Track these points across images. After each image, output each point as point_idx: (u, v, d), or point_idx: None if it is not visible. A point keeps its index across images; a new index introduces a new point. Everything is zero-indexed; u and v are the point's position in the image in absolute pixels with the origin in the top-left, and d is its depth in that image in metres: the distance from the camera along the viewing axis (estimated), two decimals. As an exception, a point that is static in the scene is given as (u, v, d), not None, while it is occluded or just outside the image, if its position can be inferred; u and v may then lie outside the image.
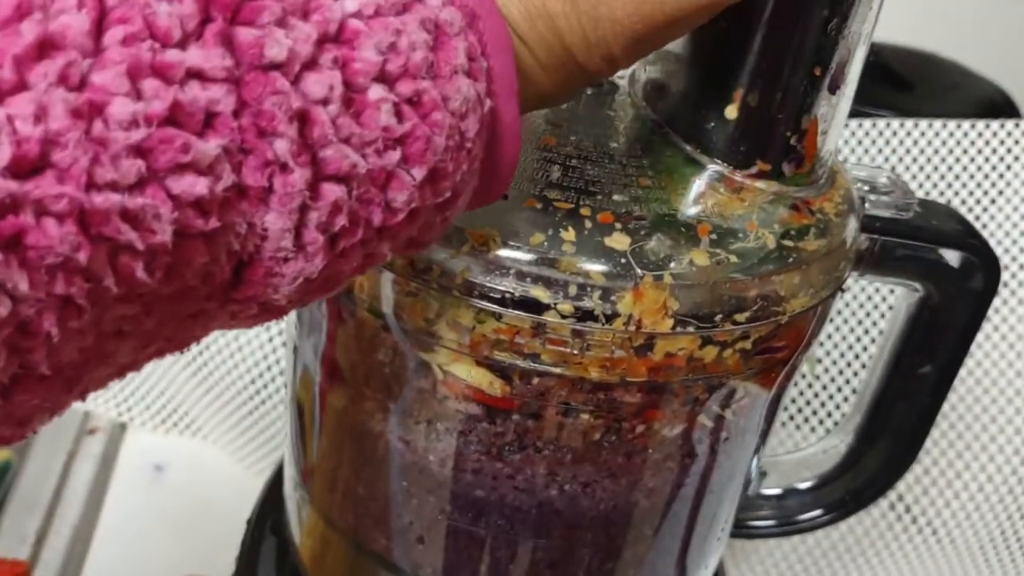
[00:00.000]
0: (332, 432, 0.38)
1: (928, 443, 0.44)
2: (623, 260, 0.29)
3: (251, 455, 0.62)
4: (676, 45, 0.33)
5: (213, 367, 0.59)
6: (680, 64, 0.33)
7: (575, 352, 0.30)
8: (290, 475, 0.44)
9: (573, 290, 0.29)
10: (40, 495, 0.59)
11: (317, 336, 0.36)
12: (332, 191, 0.21)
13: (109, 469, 0.62)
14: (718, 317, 0.30)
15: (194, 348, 0.58)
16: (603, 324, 0.30)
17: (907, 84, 0.68)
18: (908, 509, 0.59)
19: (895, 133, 0.59)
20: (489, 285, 0.30)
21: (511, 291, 0.29)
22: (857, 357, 0.60)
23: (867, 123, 0.59)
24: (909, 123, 0.59)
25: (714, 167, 0.33)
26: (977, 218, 0.59)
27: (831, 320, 0.58)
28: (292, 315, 0.39)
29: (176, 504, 0.60)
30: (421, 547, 0.38)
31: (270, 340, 0.59)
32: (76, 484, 0.61)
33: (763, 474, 0.46)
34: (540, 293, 0.29)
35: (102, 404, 0.63)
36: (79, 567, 0.56)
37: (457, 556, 0.37)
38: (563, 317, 0.30)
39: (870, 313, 0.60)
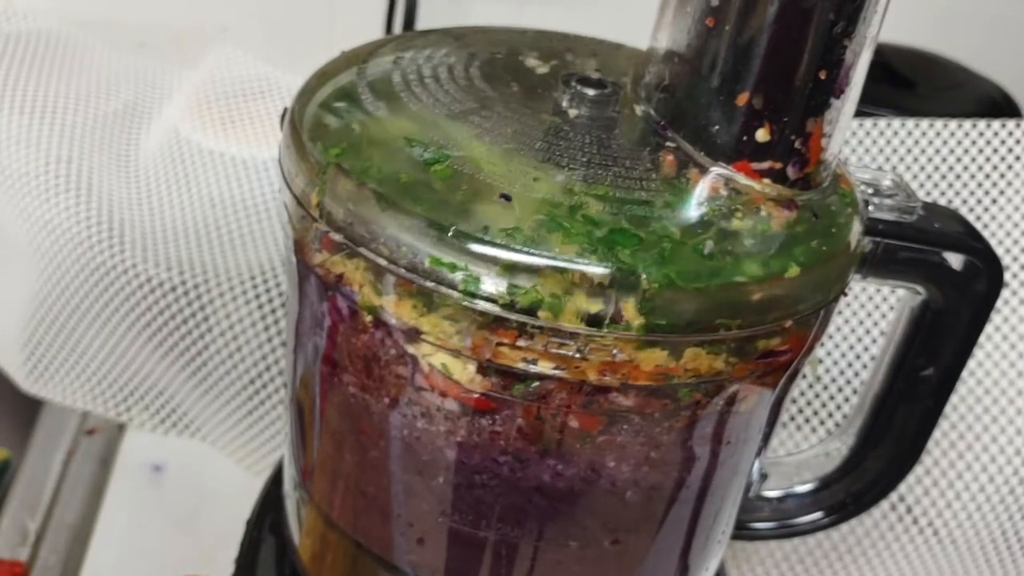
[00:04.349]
0: (332, 431, 0.38)
1: (929, 443, 0.44)
2: (626, 264, 0.29)
3: (251, 455, 0.62)
4: (681, 47, 0.33)
5: (212, 367, 0.59)
6: (684, 66, 0.33)
7: (576, 356, 0.30)
8: (290, 475, 0.44)
9: (575, 293, 0.29)
10: (39, 495, 0.60)
11: (317, 335, 0.36)
12: None
13: (108, 469, 0.62)
14: (720, 321, 0.30)
15: (193, 348, 0.58)
16: (605, 328, 0.30)
17: (908, 83, 0.68)
18: (909, 510, 0.59)
19: (896, 132, 0.59)
20: (490, 288, 0.29)
21: (512, 294, 0.29)
22: (859, 358, 0.60)
23: (868, 122, 0.59)
24: (910, 122, 0.59)
25: (718, 169, 0.32)
26: (978, 218, 0.59)
27: (832, 320, 0.58)
28: (292, 315, 0.39)
29: (175, 504, 0.60)
30: (421, 547, 0.38)
31: (269, 340, 0.59)
32: (75, 484, 0.61)
33: (764, 476, 0.46)
34: (542, 296, 0.29)
35: (101, 404, 0.63)
36: (77, 567, 0.55)
37: (457, 557, 0.37)
38: (565, 320, 0.29)
39: (871, 313, 0.60)
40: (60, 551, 0.56)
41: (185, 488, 0.61)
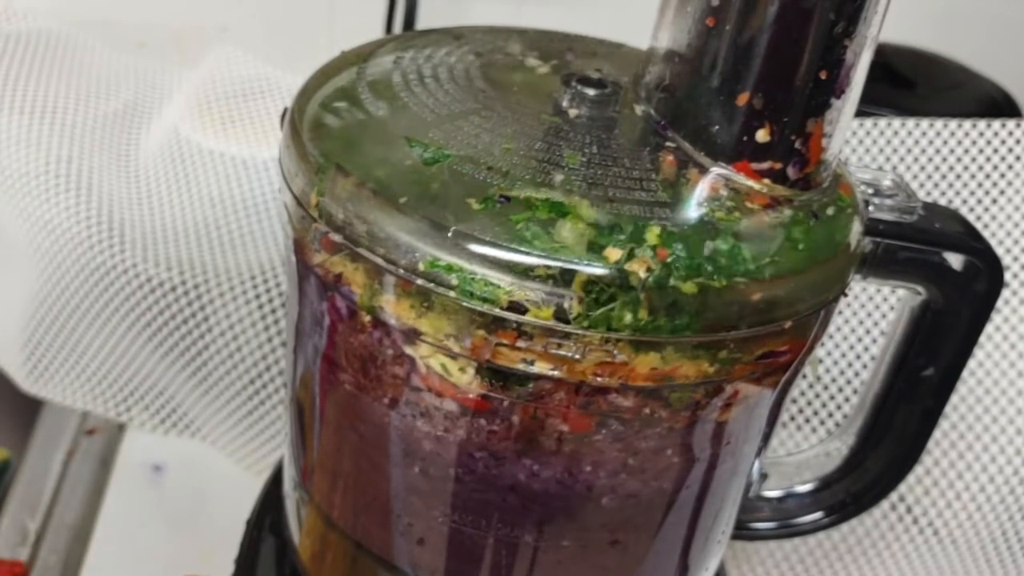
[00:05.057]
0: (331, 431, 0.38)
1: (929, 443, 0.44)
2: (625, 264, 0.29)
3: (251, 455, 0.62)
4: (681, 47, 0.33)
5: (212, 367, 0.59)
6: (685, 66, 0.33)
7: (575, 357, 0.30)
8: (289, 475, 0.44)
9: (574, 294, 0.29)
10: (39, 495, 0.60)
11: (317, 335, 0.36)
12: None
13: (108, 469, 0.62)
14: (720, 322, 0.30)
15: (193, 348, 0.58)
16: (604, 329, 0.30)
17: (908, 83, 0.68)
18: (909, 510, 0.59)
19: (896, 132, 0.59)
20: (489, 288, 0.29)
21: (512, 294, 0.29)
22: (859, 357, 0.60)
23: (868, 122, 0.59)
24: (910, 122, 0.59)
25: (718, 169, 0.32)
26: (978, 218, 0.59)
27: (832, 320, 0.58)
28: (292, 315, 0.39)
29: (175, 504, 0.60)
30: (421, 548, 0.38)
31: (269, 340, 0.59)
32: (75, 484, 0.61)
33: (764, 476, 0.46)
34: (541, 297, 0.29)
35: (101, 404, 0.63)
36: (77, 567, 0.55)
37: (457, 557, 0.37)
38: (563, 321, 0.29)
39: (871, 313, 0.60)
40: (60, 551, 0.56)
41: (185, 488, 0.61)
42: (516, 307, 0.29)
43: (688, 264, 0.30)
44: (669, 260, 0.30)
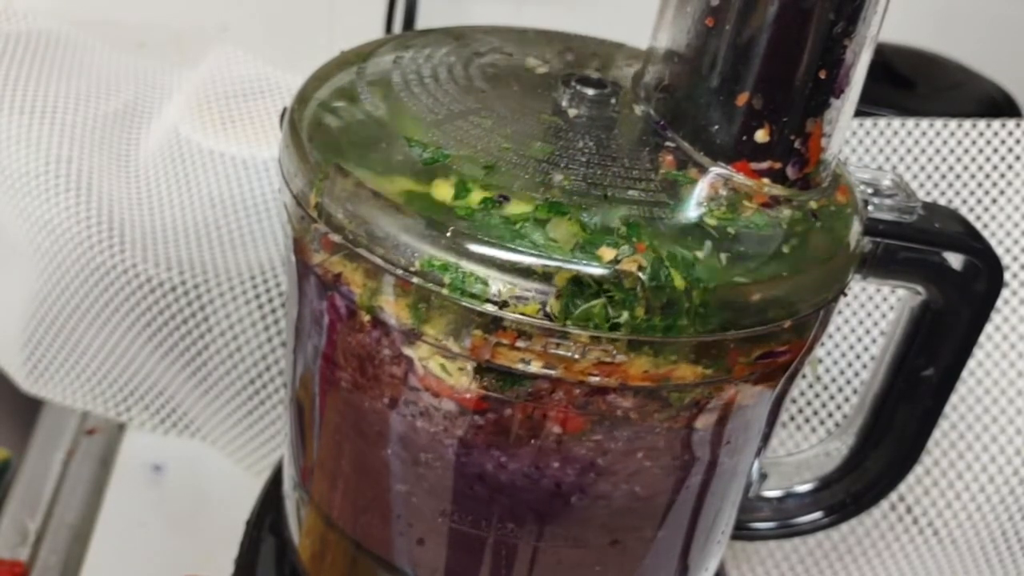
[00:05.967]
0: (331, 431, 0.38)
1: (929, 443, 0.44)
2: (624, 264, 0.29)
3: (251, 455, 0.62)
4: (680, 47, 0.33)
5: (212, 367, 0.59)
6: (684, 66, 0.33)
7: (575, 357, 0.30)
8: (289, 475, 0.44)
9: (573, 294, 0.29)
10: (39, 495, 0.60)
11: (316, 335, 0.36)
12: None
13: (108, 469, 0.62)
14: (719, 322, 0.30)
15: (193, 348, 0.58)
16: (603, 329, 0.29)
17: (908, 83, 0.68)
18: (909, 510, 0.59)
19: (896, 132, 0.59)
20: (489, 288, 0.29)
21: (510, 294, 0.29)
22: (859, 357, 0.60)
23: (868, 122, 0.59)
24: (910, 122, 0.59)
25: (717, 169, 0.32)
26: (978, 218, 0.59)
27: (832, 320, 0.58)
28: (292, 314, 0.39)
29: (175, 504, 0.60)
30: (420, 548, 0.38)
31: (269, 340, 0.59)
32: (75, 484, 0.61)
33: (764, 476, 0.46)
34: (539, 296, 0.29)
35: (101, 404, 0.63)
36: (77, 567, 0.55)
37: (457, 557, 0.37)
38: (555, 320, 0.29)
39: (871, 313, 0.60)
40: (60, 551, 0.56)
41: (185, 488, 0.61)
42: (513, 307, 0.29)
43: (687, 265, 0.30)
44: (669, 261, 0.30)
